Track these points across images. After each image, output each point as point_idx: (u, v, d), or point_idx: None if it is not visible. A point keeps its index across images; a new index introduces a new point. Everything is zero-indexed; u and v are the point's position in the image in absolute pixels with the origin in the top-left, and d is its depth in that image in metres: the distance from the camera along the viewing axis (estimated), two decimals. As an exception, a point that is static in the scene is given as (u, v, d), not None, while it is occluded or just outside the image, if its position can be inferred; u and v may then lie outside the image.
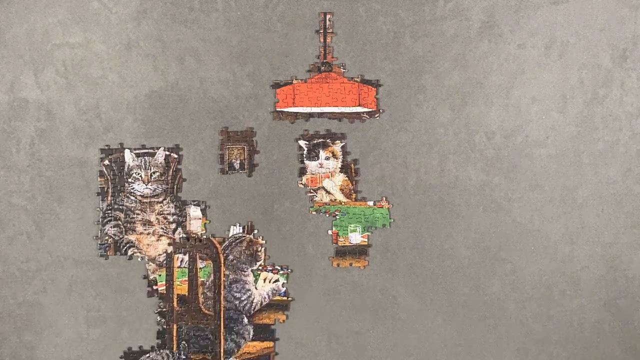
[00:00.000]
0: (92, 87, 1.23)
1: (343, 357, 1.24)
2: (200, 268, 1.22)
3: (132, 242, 1.23)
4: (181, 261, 1.22)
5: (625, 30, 1.22)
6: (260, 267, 1.23)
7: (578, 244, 1.23)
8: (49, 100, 1.23)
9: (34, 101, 1.23)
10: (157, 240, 1.24)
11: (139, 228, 1.24)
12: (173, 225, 1.24)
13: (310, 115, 1.23)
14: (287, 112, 1.23)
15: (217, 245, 1.21)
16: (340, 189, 1.25)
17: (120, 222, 1.23)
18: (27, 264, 1.23)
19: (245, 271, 1.22)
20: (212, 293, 1.21)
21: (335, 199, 1.25)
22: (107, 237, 1.23)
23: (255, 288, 1.22)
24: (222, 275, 1.20)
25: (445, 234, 1.23)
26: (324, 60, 1.23)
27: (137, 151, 1.23)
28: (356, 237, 1.23)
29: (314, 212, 1.24)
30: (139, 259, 1.23)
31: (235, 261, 1.21)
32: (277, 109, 1.23)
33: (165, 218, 1.24)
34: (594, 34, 1.22)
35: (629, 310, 1.23)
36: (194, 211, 1.24)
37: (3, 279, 1.23)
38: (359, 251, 1.23)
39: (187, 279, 1.21)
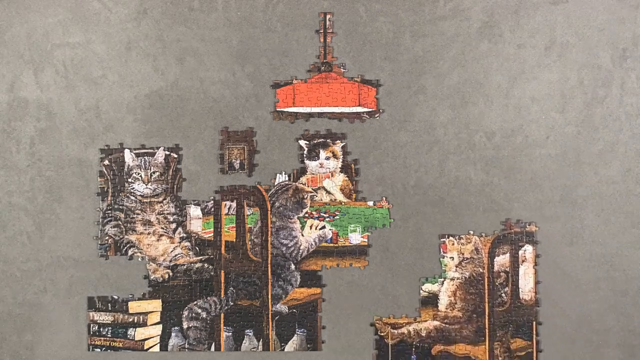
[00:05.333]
0: (92, 87, 1.23)
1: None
2: (248, 215, 1.22)
3: (132, 242, 1.23)
4: (229, 208, 1.23)
5: (625, 30, 1.22)
6: (306, 214, 1.23)
7: (578, 244, 1.23)
8: (49, 100, 1.23)
9: (34, 101, 1.23)
10: (157, 240, 1.24)
11: (139, 228, 1.24)
12: (173, 225, 1.24)
13: (310, 115, 1.24)
14: (287, 112, 1.23)
15: (264, 192, 1.21)
16: (341, 189, 1.25)
17: (120, 222, 1.23)
18: (27, 264, 1.23)
19: (291, 218, 1.22)
20: (259, 240, 1.22)
21: (335, 199, 1.25)
22: (107, 237, 1.23)
23: (302, 235, 1.23)
24: (269, 222, 1.21)
25: (446, 234, 1.23)
26: (324, 60, 1.23)
27: (137, 151, 1.23)
28: (356, 237, 1.23)
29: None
30: (139, 259, 1.23)
31: (281, 208, 1.22)
32: (277, 109, 1.23)
33: (165, 218, 1.24)
34: (594, 34, 1.22)
35: (629, 310, 1.23)
36: (194, 211, 1.24)
37: (3, 279, 1.23)
38: (359, 251, 1.23)
39: (234, 225, 1.22)
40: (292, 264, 1.23)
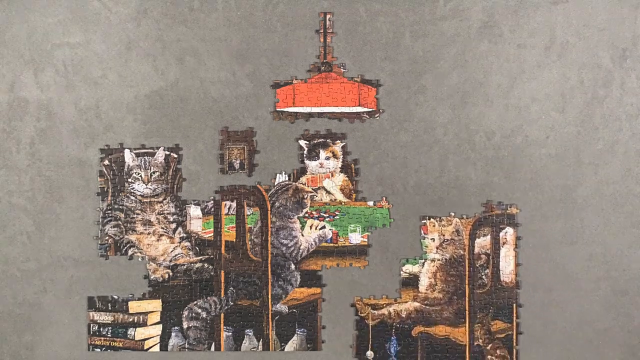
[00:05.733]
0: (92, 87, 1.23)
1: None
2: (248, 215, 1.22)
3: (132, 242, 1.23)
4: (229, 208, 1.23)
5: (625, 30, 1.22)
6: (306, 214, 1.23)
7: (578, 244, 1.23)
8: (49, 100, 1.23)
9: (34, 101, 1.23)
10: (157, 240, 1.24)
11: (139, 228, 1.24)
12: (173, 225, 1.24)
13: (310, 115, 1.24)
14: (287, 112, 1.23)
15: (264, 192, 1.21)
16: (341, 189, 1.25)
17: (120, 222, 1.23)
18: (27, 264, 1.23)
19: (291, 218, 1.23)
20: (259, 240, 1.22)
21: (335, 199, 1.25)
22: (107, 237, 1.23)
23: (302, 235, 1.23)
24: (269, 222, 1.21)
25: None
26: (324, 60, 1.23)
27: (137, 151, 1.23)
28: (356, 237, 1.23)
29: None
30: (139, 259, 1.23)
31: (281, 208, 1.22)
32: (277, 109, 1.23)
33: (165, 218, 1.24)
34: (594, 34, 1.22)
35: (629, 310, 1.23)
36: (194, 211, 1.24)
37: (3, 279, 1.23)
38: (359, 251, 1.23)
39: (234, 225, 1.22)
40: (292, 264, 1.23)
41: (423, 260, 1.22)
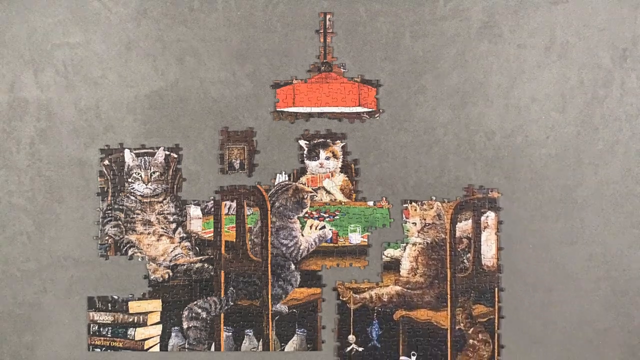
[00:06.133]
0: (92, 87, 1.23)
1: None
2: (248, 215, 1.22)
3: (132, 242, 1.23)
4: (229, 208, 1.23)
5: (625, 30, 1.22)
6: (306, 214, 1.23)
7: (578, 244, 1.23)
8: (49, 100, 1.23)
9: (34, 101, 1.23)
10: (157, 240, 1.24)
11: (139, 228, 1.24)
12: (173, 225, 1.24)
13: (310, 115, 1.24)
14: (287, 112, 1.23)
15: (264, 192, 1.21)
16: (340, 189, 1.25)
17: (120, 222, 1.23)
18: (27, 264, 1.23)
19: (291, 218, 1.23)
20: (259, 240, 1.22)
21: (335, 199, 1.25)
22: (107, 237, 1.23)
23: (302, 235, 1.23)
24: (269, 222, 1.21)
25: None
26: (324, 60, 1.23)
27: (137, 151, 1.23)
28: (356, 237, 1.23)
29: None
30: (139, 259, 1.23)
31: (281, 208, 1.22)
32: (277, 109, 1.23)
33: (165, 218, 1.24)
34: (594, 34, 1.22)
35: (629, 310, 1.23)
36: (194, 211, 1.24)
37: (3, 279, 1.23)
38: (359, 251, 1.23)
39: (234, 225, 1.22)
40: (292, 264, 1.23)
41: (405, 244, 1.22)
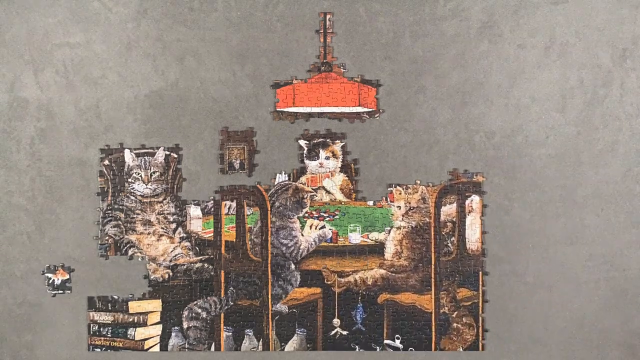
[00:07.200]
0: (92, 87, 1.23)
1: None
2: (248, 215, 1.22)
3: (132, 242, 1.23)
4: (229, 208, 1.23)
5: (625, 30, 1.22)
6: (306, 214, 1.23)
7: (578, 244, 1.23)
8: (49, 100, 1.23)
9: (34, 101, 1.23)
10: (158, 240, 1.24)
11: (139, 228, 1.24)
12: (173, 225, 1.24)
13: (310, 115, 1.24)
14: (287, 112, 1.23)
15: (264, 192, 1.21)
16: (340, 189, 1.25)
17: (120, 222, 1.23)
18: (27, 264, 1.23)
19: (291, 218, 1.23)
20: (259, 240, 1.22)
21: (335, 199, 1.25)
22: (107, 237, 1.23)
23: (302, 235, 1.23)
24: (269, 222, 1.21)
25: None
26: (324, 60, 1.23)
27: (137, 151, 1.23)
28: (356, 237, 1.23)
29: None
30: (139, 259, 1.23)
31: (281, 208, 1.22)
32: (277, 109, 1.23)
33: (165, 218, 1.24)
34: (594, 34, 1.22)
35: (629, 310, 1.23)
36: (194, 211, 1.24)
37: (3, 279, 1.23)
38: (359, 251, 1.23)
39: (234, 225, 1.22)
40: (292, 264, 1.23)
41: (389, 228, 1.22)
